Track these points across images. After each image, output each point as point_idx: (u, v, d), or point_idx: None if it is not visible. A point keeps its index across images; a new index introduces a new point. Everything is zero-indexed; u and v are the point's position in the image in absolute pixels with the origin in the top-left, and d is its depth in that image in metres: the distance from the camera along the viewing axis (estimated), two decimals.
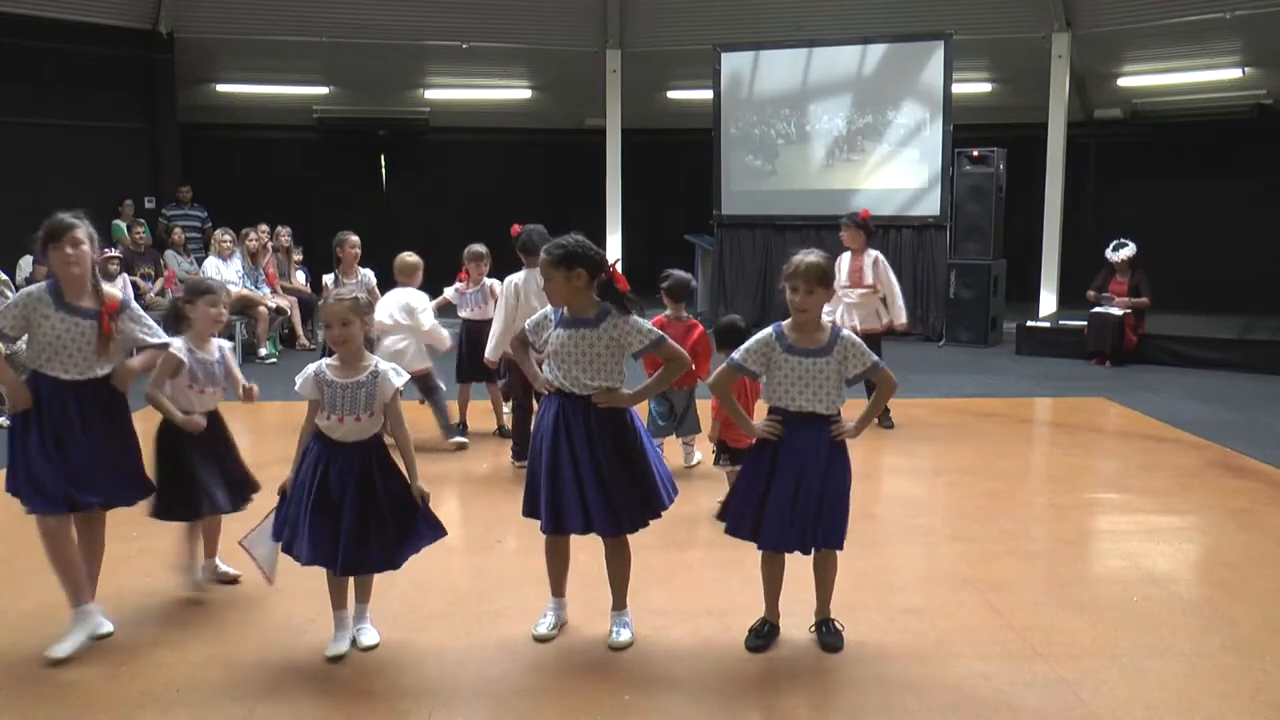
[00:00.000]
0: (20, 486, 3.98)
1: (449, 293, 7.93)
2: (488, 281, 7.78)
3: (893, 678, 3.84)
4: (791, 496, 3.93)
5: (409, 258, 7.49)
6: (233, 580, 4.71)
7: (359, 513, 3.90)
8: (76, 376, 3.99)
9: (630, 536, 4.15)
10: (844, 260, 7.97)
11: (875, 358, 4.04)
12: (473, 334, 7.71)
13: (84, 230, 4.01)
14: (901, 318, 7.99)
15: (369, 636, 4.12)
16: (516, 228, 6.85)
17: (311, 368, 4.04)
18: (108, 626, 4.15)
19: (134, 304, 4.25)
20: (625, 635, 4.16)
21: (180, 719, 3.57)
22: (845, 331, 4.07)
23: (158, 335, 4.28)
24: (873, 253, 8.07)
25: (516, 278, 6.73)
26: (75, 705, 3.65)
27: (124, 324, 4.11)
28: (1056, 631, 4.25)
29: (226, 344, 4.67)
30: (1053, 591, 4.74)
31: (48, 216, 4.06)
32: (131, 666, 3.93)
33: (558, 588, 4.28)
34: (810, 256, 4.01)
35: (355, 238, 8.05)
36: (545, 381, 4.08)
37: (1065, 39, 14.12)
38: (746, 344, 4.07)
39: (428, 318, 7.35)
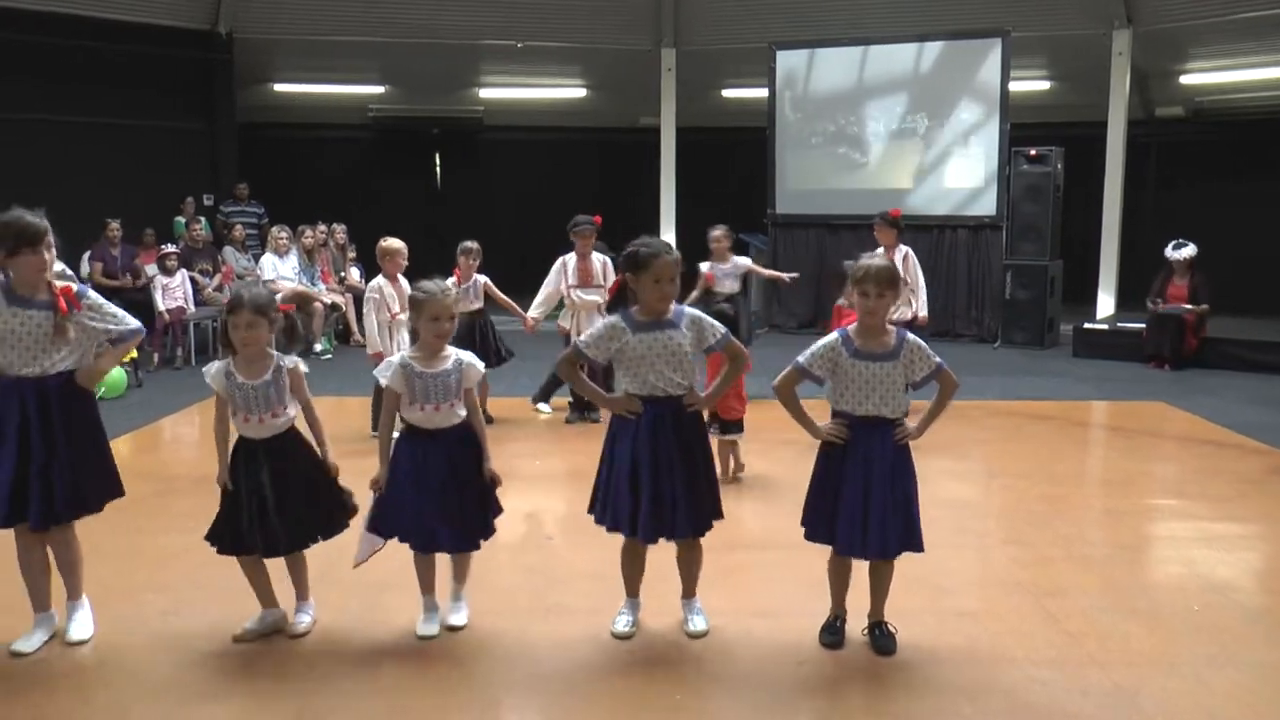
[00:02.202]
0: None
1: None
2: (479, 278, 7.94)
3: (945, 681, 3.80)
4: (863, 501, 3.91)
5: (381, 243, 7.51)
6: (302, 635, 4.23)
7: (452, 494, 4.06)
8: (35, 372, 3.86)
9: None
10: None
11: (939, 360, 4.00)
12: (460, 327, 7.89)
13: (50, 233, 3.90)
14: (924, 311, 8.22)
15: (458, 617, 4.25)
16: (599, 218, 8.03)
17: (396, 359, 4.14)
18: (71, 631, 4.09)
19: (91, 293, 4.03)
20: (701, 623, 4.20)
21: (234, 709, 3.61)
22: (910, 335, 4.04)
23: (123, 322, 4.06)
24: (903, 248, 8.28)
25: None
26: (133, 690, 3.71)
27: (83, 318, 3.93)
28: (1114, 638, 4.18)
29: (290, 361, 4.10)
30: (1110, 597, 4.66)
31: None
32: (188, 657, 3.98)
33: (634, 589, 4.28)
34: (876, 260, 4.02)
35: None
36: (629, 402, 4.03)
37: (1126, 36, 13.90)
38: (813, 348, 4.03)
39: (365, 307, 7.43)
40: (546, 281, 8.11)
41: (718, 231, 8.88)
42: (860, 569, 4.10)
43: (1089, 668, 3.91)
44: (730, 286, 8.75)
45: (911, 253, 8.30)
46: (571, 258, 8.03)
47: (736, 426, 6.39)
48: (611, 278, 7.86)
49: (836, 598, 4.17)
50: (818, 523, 4.04)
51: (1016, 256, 12.66)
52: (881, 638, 4.05)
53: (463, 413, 4.14)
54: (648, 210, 15.41)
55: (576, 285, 7.96)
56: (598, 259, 8.00)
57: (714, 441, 6.28)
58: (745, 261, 9.05)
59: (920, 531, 3.99)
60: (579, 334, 8.01)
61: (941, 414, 4.06)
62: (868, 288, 3.91)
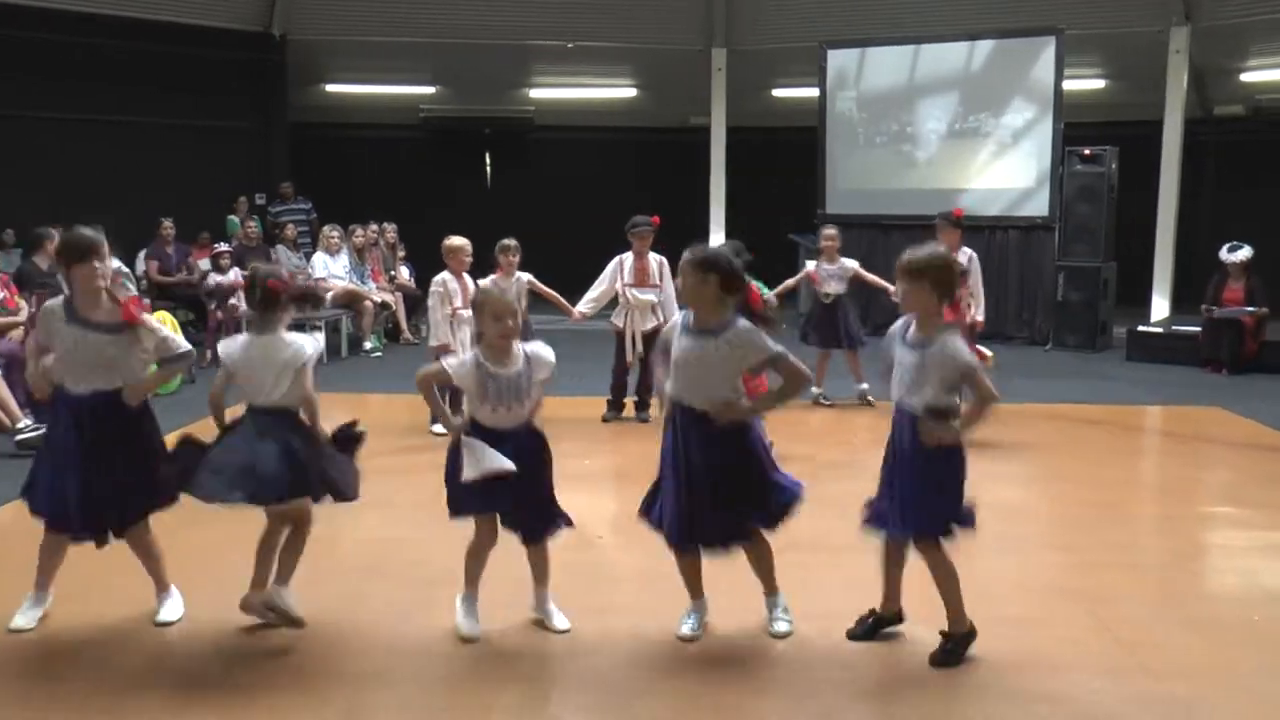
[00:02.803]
0: (31, 493, 4.15)
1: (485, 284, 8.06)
2: (522, 275, 7.88)
3: (994, 689, 3.76)
4: (888, 484, 3.95)
5: (445, 241, 7.63)
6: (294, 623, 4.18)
7: (519, 493, 4.06)
8: (86, 390, 4.00)
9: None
10: None
11: (968, 361, 3.79)
12: None
13: (105, 245, 4.03)
14: (981, 315, 8.07)
15: (560, 620, 4.25)
16: (657, 219, 8.06)
17: (469, 357, 4.10)
18: (162, 613, 4.28)
19: (148, 316, 4.20)
20: (785, 625, 4.18)
21: (286, 703, 3.64)
22: (949, 335, 3.86)
23: (177, 345, 4.24)
24: (967, 250, 8.05)
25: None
26: (181, 682, 3.75)
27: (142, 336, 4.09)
28: (1169, 648, 4.12)
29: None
30: (1164, 606, 4.59)
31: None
32: (236, 650, 4.03)
33: (695, 592, 4.24)
34: (910, 252, 3.89)
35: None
36: (666, 403, 4.06)
37: (1184, 33, 13.67)
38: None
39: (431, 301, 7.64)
40: (600, 279, 8.15)
41: (829, 231, 8.96)
42: (919, 575, 4.05)
43: (1142, 677, 3.85)
44: (835, 288, 8.78)
45: (975, 256, 8.07)
46: (629, 257, 8.11)
47: None
48: (668, 278, 7.92)
49: (884, 591, 4.13)
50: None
51: (1069, 258, 12.48)
52: (942, 651, 3.94)
53: (529, 411, 4.12)
54: (697, 210, 15.39)
55: (632, 284, 8.04)
56: (654, 259, 8.07)
57: None
58: (853, 264, 9.00)
59: (925, 519, 3.87)
60: (632, 333, 8.05)
61: (976, 423, 3.83)
62: (894, 278, 3.88)
